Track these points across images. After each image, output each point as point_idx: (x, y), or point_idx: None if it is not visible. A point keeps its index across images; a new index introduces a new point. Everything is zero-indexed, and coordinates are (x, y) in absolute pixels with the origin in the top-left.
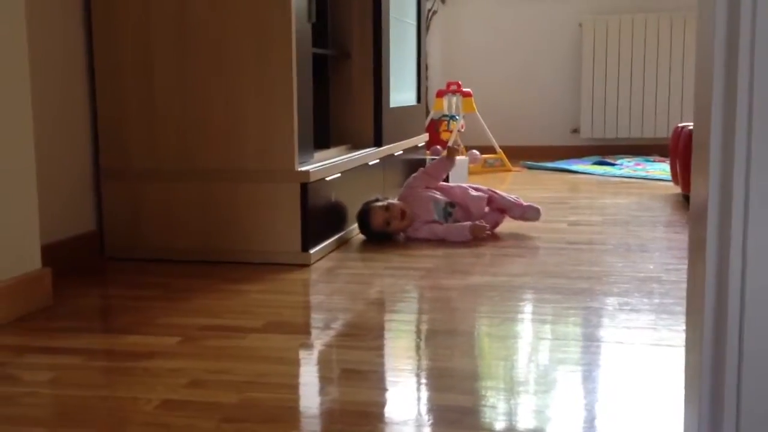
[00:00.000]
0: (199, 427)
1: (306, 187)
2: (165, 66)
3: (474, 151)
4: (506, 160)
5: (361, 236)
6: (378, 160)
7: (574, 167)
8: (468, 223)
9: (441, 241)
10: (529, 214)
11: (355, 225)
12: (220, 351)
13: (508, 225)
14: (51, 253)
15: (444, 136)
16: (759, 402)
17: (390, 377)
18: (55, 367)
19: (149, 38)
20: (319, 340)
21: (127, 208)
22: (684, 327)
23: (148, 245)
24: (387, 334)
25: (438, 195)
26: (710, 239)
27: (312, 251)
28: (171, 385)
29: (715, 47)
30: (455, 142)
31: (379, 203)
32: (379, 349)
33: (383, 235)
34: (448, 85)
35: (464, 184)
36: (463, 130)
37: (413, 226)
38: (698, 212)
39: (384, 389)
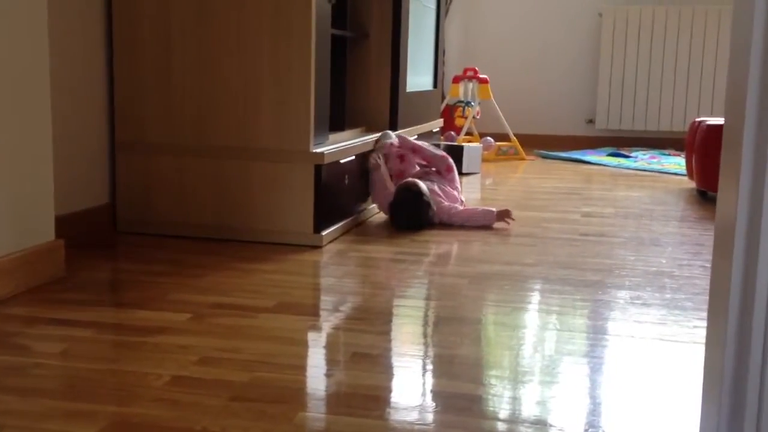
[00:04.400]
0: (207, 404)
1: (320, 168)
2: (183, 42)
3: (488, 138)
4: (520, 148)
5: (374, 220)
6: None
7: (588, 158)
8: (494, 208)
9: (457, 227)
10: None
11: (368, 207)
12: (230, 329)
13: (520, 213)
14: (64, 225)
15: (459, 122)
16: None
17: (398, 362)
18: (65, 339)
19: (168, 14)
20: (329, 322)
21: (140, 183)
22: (694, 323)
23: (161, 220)
24: (396, 320)
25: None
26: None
27: (324, 233)
28: (181, 362)
29: (753, 42)
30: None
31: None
32: (388, 333)
33: (424, 220)
34: (465, 71)
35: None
36: (478, 116)
37: (445, 211)
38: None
39: (392, 374)
